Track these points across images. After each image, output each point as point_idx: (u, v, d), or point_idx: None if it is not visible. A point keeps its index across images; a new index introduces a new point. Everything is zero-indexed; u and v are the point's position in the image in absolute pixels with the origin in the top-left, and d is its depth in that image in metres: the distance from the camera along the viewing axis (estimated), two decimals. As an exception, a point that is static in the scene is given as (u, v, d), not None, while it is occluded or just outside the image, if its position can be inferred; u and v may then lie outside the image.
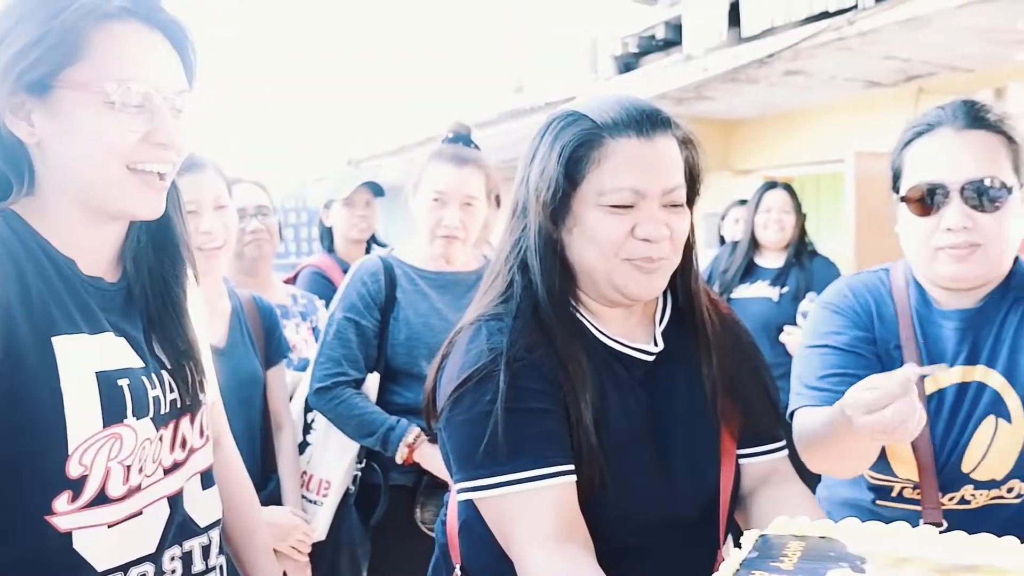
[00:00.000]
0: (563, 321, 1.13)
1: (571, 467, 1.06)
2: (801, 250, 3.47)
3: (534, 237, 1.14)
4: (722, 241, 4.47)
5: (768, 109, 5.56)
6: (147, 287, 1.10)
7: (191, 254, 1.17)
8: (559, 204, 1.12)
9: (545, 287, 1.13)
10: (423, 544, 1.94)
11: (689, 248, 1.21)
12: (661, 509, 1.13)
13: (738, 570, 0.73)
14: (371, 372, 2.03)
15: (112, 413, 0.97)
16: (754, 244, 3.57)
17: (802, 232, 3.51)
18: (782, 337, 3.19)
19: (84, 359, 0.96)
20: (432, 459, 1.94)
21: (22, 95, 0.96)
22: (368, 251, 3.06)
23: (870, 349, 1.38)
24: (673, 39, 4.72)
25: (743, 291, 3.49)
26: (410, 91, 7.00)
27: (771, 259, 3.53)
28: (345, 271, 2.85)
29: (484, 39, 6.56)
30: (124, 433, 0.98)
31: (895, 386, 1.09)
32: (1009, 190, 1.28)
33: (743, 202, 4.24)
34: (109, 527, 0.98)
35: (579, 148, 1.11)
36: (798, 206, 3.54)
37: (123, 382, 1.00)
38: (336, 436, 2.06)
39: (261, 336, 1.99)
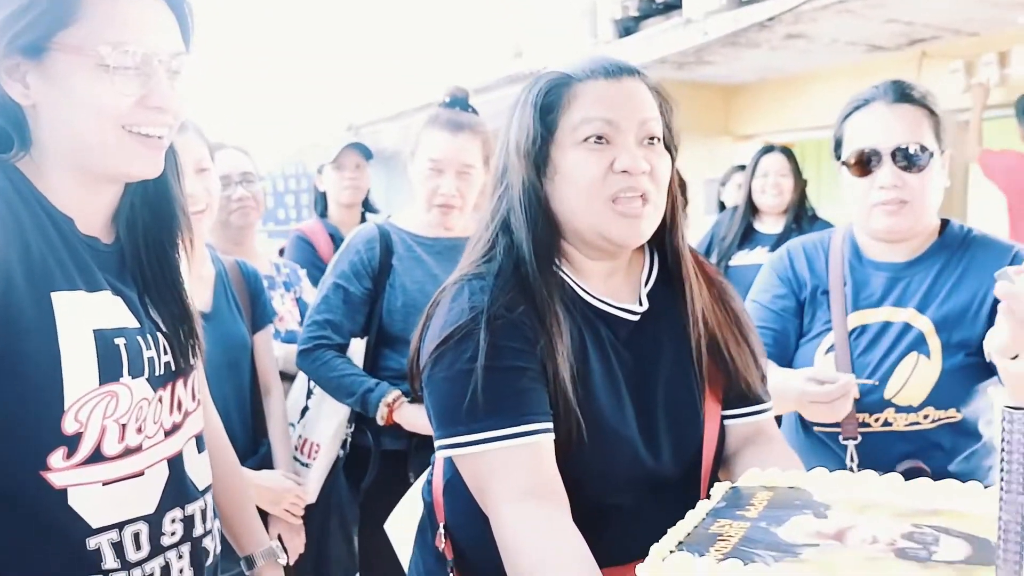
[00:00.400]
0: (544, 278, 1.14)
1: (548, 425, 1.07)
2: (801, 215, 3.38)
3: (518, 193, 1.16)
4: (722, 207, 4.44)
5: (769, 73, 5.51)
6: (141, 250, 1.10)
7: (187, 218, 1.17)
8: (538, 155, 1.13)
9: (530, 241, 1.15)
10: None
11: (674, 203, 1.21)
12: (642, 467, 1.15)
13: (704, 518, 0.74)
14: (361, 338, 2.05)
15: (108, 371, 0.98)
16: (753, 209, 3.49)
17: (802, 196, 3.42)
18: None
19: (82, 316, 0.97)
20: (414, 419, 1.96)
21: (17, 57, 0.96)
22: (363, 216, 3.08)
23: (788, 305, 1.69)
24: (673, 2, 4.66)
25: (742, 258, 3.42)
26: (409, 57, 6.95)
27: (770, 224, 3.45)
28: (332, 236, 2.89)
29: (483, 3, 6.49)
30: (120, 391, 1.00)
31: (837, 390, 1.45)
32: (931, 154, 1.53)
33: (743, 167, 4.23)
34: (104, 485, 0.99)
35: (550, 94, 1.14)
36: (797, 170, 3.44)
37: (120, 341, 1.01)
38: (328, 400, 2.09)
39: (247, 301, 2.00)
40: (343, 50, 8.10)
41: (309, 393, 2.16)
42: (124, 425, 1.01)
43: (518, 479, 1.02)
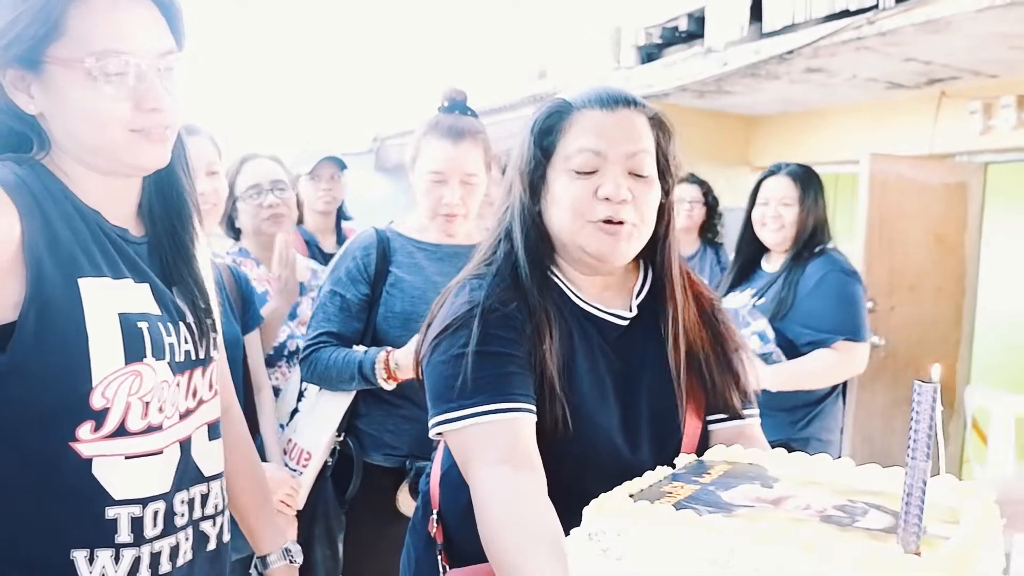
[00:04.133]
0: (536, 281, 1.23)
1: (530, 406, 1.14)
2: (804, 252, 2.64)
3: (517, 208, 1.24)
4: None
5: (790, 106, 5.55)
6: (163, 241, 1.17)
7: (197, 204, 1.24)
8: (537, 177, 1.22)
9: (524, 251, 1.23)
10: (399, 524, 1.97)
11: (667, 226, 1.28)
12: (621, 459, 1.21)
13: (661, 480, 0.79)
14: (358, 344, 2.03)
15: (132, 352, 1.05)
16: (756, 244, 2.79)
17: (814, 229, 2.65)
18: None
19: (107, 301, 1.04)
20: (407, 360, 1.89)
21: (19, 69, 1.01)
22: (338, 223, 3.20)
23: None
24: (696, 31, 4.74)
25: (728, 299, 2.74)
26: (435, 72, 7.06)
27: (776, 262, 2.75)
28: (308, 242, 2.99)
29: (508, 23, 6.61)
30: (144, 371, 1.06)
31: None
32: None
33: None
34: (126, 458, 1.05)
35: (548, 119, 1.24)
36: (808, 195, 2.66)
37: (143, 324, 1.07)
38: (320, 408, 2.08)
39: (239, 303, 2.06)
40: (369, 65, 8.26)
41: (300, 396, 2.17)
42: (147, 403, 1.07)
43: (496, 449, 1.09)
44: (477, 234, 2.16)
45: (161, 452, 1.09)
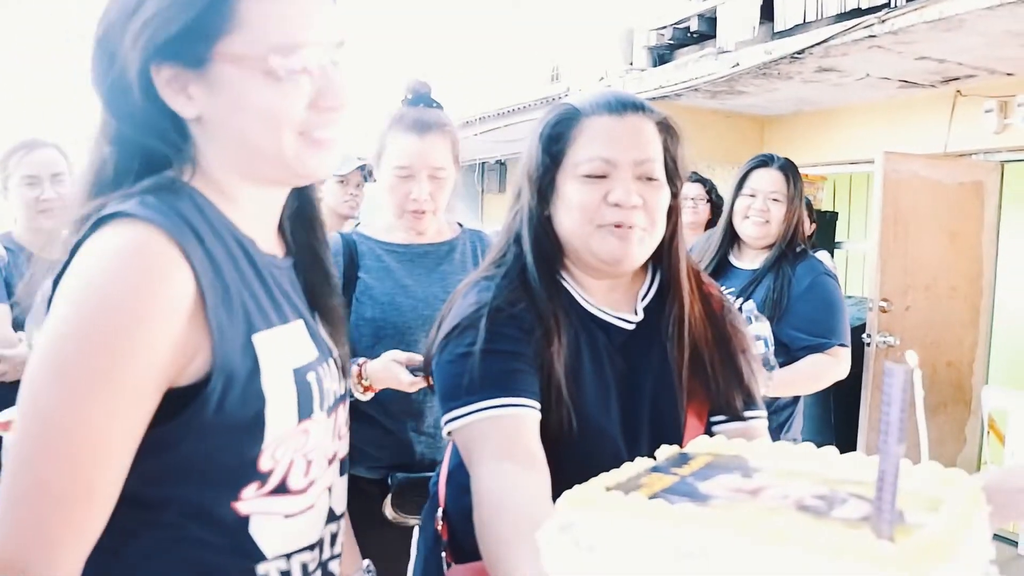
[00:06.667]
0: (545, 284, 1.24)
1: (534, 403, 1.14)
2: (788, 252, 2.54)
3: (526, 213, 1.26)
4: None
5: (803, 105, 5.54)
6: (307, 264, 1.08)
7: (321, 216, 1.15)
8: (546, 182, 1.23)
9: (533, 255, 1.24)
10: (387, 529, 1.93)
11: (675, 228, 1.29)
12: (622, 461, 1.21)
13: (639, 472, 0.79)
14: None
15: (304, 409, 0.96)
16: (733, 238, 2.65)
17: (795, 227, 2.56)
18: None
19: (281, 356, 0.94)
20: (379, 373, 1.82)
21: (175, 67, 0.88)
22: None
23: None
24: (707, 32, 4.74)
25: None
26: (448, 76, 7.10)
27: (750, 259, 2.61)
28: None
29: (521, 27, 6.63)
30: (312, 428, 0.97)
31: None
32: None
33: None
34: (286, 517, 0.96)
35: (557, 126, 1.24)
36: (796, 192, 2.57)
37: (311, 377, 0.98)
38: None
39: None
40: (383, 70, 8.30)
41: None
42: (310, 461, 0.98)
43: (498, 443, 1.09)
44: (449, 231, 2.04)
45: (314, 506, 1.00)
